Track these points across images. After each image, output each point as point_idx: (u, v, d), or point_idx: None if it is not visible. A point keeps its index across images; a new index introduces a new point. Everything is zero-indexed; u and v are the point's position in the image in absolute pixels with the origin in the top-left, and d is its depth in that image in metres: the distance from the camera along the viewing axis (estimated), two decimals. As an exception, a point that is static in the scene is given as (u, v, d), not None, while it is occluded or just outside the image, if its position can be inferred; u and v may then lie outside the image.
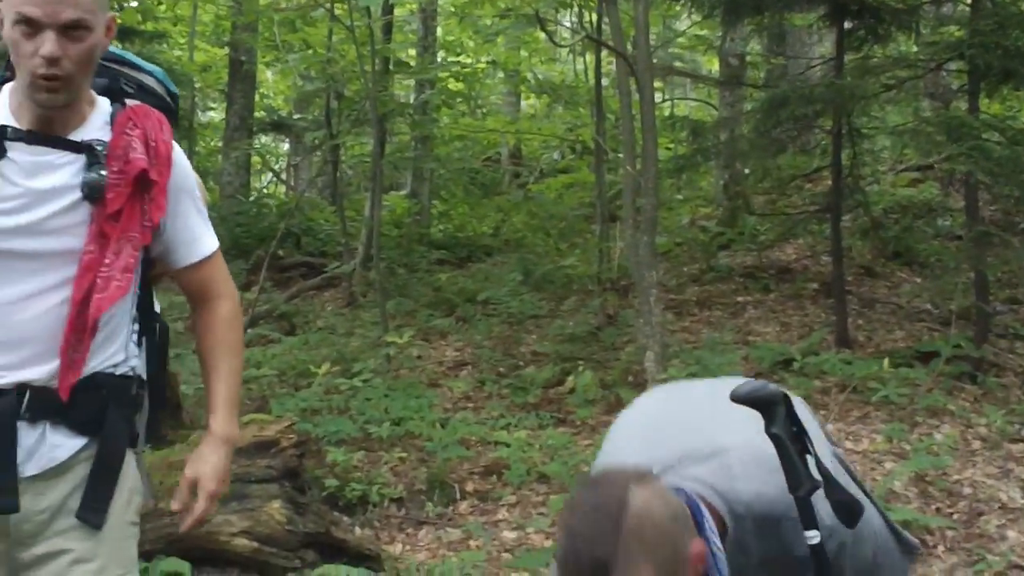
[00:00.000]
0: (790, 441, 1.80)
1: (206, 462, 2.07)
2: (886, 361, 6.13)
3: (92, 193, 1.94)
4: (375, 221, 8.24)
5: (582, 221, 11.60)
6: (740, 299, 8.30)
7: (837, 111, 6.88)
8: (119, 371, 2.04)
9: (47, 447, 1.96)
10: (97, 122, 2.01)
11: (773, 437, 1.79)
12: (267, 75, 16.29)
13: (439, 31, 13.96)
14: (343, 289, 10.16)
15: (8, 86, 2.00)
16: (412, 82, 13.48)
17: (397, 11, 12.25)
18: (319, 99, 12.33)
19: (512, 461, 5.35)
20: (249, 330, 7.73)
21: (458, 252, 11.56)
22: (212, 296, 2.17)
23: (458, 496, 5.13)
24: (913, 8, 7.06)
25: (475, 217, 13.42)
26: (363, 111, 10.49)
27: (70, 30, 1.84)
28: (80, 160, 1.96)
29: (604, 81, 10.11)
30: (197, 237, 2.14)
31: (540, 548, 4.46)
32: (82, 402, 1.97)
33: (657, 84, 12.21)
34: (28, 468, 1.93)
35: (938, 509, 4.66)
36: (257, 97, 14.21)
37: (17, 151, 1.93)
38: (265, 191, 16.98)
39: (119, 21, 1.94)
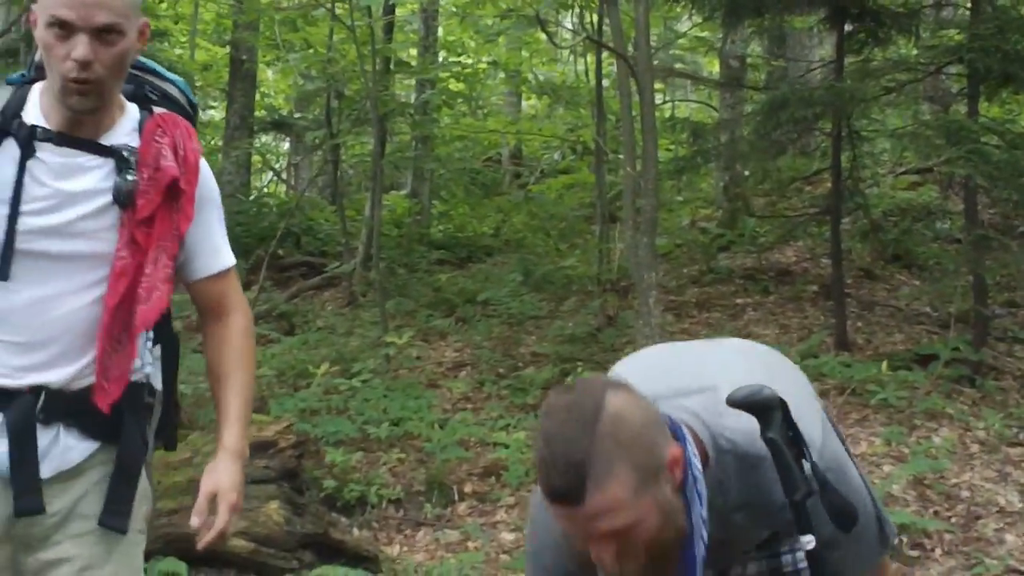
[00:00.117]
0: (786, 446, 1.80)
1: (224, 475, 2.02)
2: (885, 364, 6.13)
3: (122, 197, 1.94)
4: (375, 221, 8.25)
5: (582, 222, 11.60)
6: (739, 301, 8.30)
7: (837, 114, 6.89)
8: (134, 377, 2.03)
9: (60, 449, 1.96)
10: (126, 127, 2.02)
11: (769, 442, 1.78)
12: (268, 74, 16.28)
13: (440, 31, 13.96)
14: (343, 289, 10.16)
15: (38, 86, 2.00)
16: (413, 82, 13.48)
17: (398, 11, 12.26)
18: (320, 98, 12.33)
19: (511, 462, 5.35)
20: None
21: (458, 252, 11.56)
22: (227, 310, 2.16)
23: (456, 497, 5.14)
24: (913, 12, 7.07)
25: (475, 217, 13.42)
26: (364, 111, 10.49)
27: (103, 34, 1.84)
28: (109, 164, 1.96)
29: (605, 82, 10.11)
30: (218, 249, 2.14)
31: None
32: (95, 407, 1.97)
33: (658, 85, 12.22)
34: (42, 470, 1.93)
35: (936, 512, 4.66)
36: (258, 96, 14.20)
37: (47, 152, 1.93)
38: (265, 190, 16.98)
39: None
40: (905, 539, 4.35)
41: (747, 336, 7.39)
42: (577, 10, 9.80)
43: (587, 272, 9.34)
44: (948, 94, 8.67)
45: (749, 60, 11.56)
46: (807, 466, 1.80)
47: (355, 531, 4.69)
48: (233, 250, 2.21)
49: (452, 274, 10.42)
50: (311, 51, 11.49)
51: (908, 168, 10.42)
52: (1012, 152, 6.06)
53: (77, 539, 1.96)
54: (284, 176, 17.36)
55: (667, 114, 13.82)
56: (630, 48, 7.37)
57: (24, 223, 1.91)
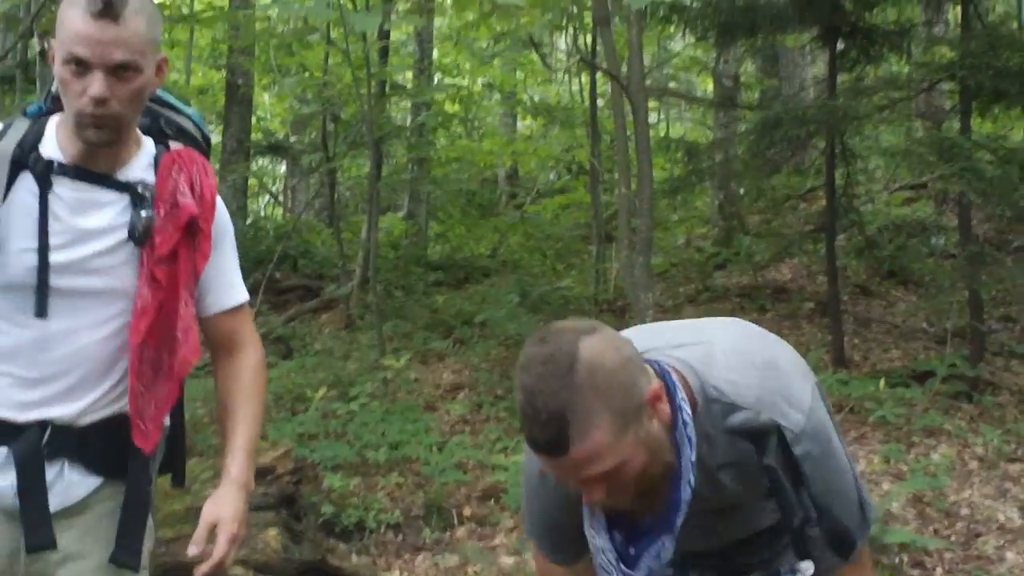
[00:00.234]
0: (783, 472, 1.80)
1: (226, 505, 1.99)
2: (882, 381, 6.13)
3: (138, 234, 1.94)
4: (372, 243, 8.26)
5: (578, 242, 11.62)
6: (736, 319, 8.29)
7: (830, 132, 6.92)
8: None
9: (65, 485, 1.96)
10: (142, 162, 2.01)
11: (766, 468, 1.78)
12: (264, 98, 16.34)
13: (435, 53, 14.02)
14: (340, 311, 10.16)
15: (55, 118, 2.00)
16: (408, 104, 13.53)
17: (393, 34, 12.31)
18: (316, 122, 12.35)
19: (510, 485, 5.32)
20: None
21: (455, 273, 11.57)
22: (238, 345, 2.15)
23: (455, 521, 5.12)
24: (904, 29, 7.11)
25: (472, 238, 13.44)
26: (360, 133, 10.52)
27: (120, 71, 1.83)
28: (124, 199, 1.96)
29: (599, 102, 10.15)
30: (232, 284, 2.14)
31: (538, 573, 4.44)
32: (101, 442, 1.97)
33: (652, 104, 12.26)
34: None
35: (936, 530, 4.65)
36: (254, 119, 14.25)
37: (63, 186, 1.93)
38: (262, 213, 17.02)
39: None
40: (906, 558, 4.34)
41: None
42: (571, 31, 9.87)
43: (584, 292, 9.35)
44: (940, 111, 8.71)
45: (743, 79, 11.61)
46: (804, 494, 1.81)
47: (354, 557, 4.67)
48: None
49: (449, 295, 10.41)
50: (307, 75, 11.52)
51: (902, 184, 10.45)
52: (1004, 168, 6.08)
53: None
54: (281, 199, 17.39)
55: (662, 133, 13.88)
56: (624, 68, 7.40)
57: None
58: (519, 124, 17.73)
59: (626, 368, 1.62)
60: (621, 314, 8.63)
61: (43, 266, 1.90)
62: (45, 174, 1.92)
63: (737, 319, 2.05)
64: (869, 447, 5.58)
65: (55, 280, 1.91)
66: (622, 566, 1.79)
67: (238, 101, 12.68)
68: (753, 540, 2.04)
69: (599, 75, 9.64)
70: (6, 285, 1.90)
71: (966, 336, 6.67)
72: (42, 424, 1.93)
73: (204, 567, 1.95)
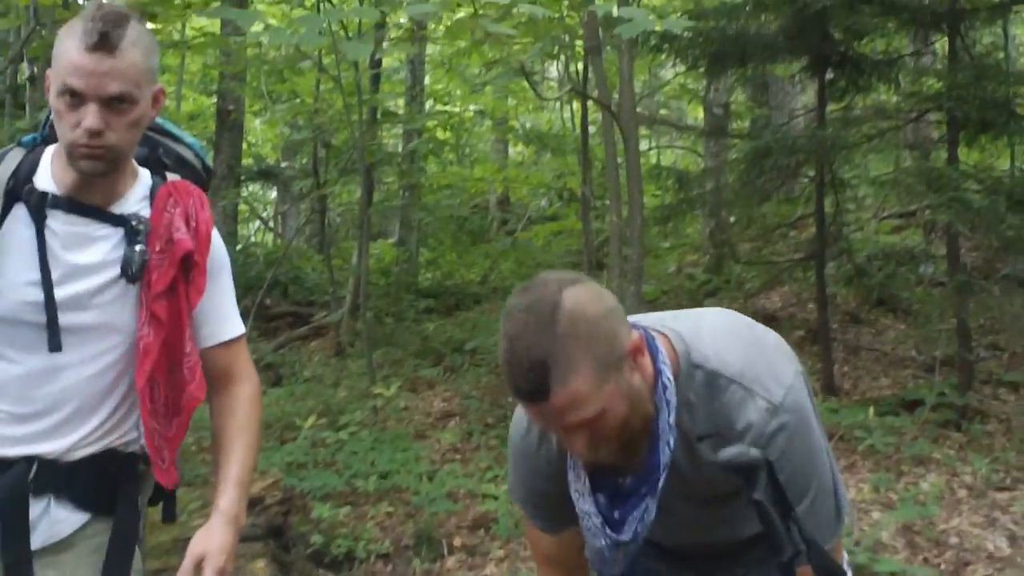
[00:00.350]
0: (772, 506, 1.80)
1: (213, 538, 1.96)
2: (872, 409, 6.14)
3: (130, 270, 1.93)
4: (363, 270, 8.26)
5: (570, 269, 11.61)
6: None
7: (820, 161, 6.96)
8: (129, 449, 2.02)
9: (50, 521, 1.94)
10: (138, 195, 2.00)
11: (755, 503, 1.78)
12: (255, 124, 16.35)
13: (427, 80, 14.07)
14: (330, 338, 10.14)
15: (51, 149, 1.99)
16: (400, 130, 13.56)
17: (385, 61, 12.35)
18: (307, 148, 12.39)
19: (500, 514, 5.31)
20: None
21: (446, 300, 11.56)
22: (234, 378, 2.13)
23: (445, 551, 5.10)
24: (892, 60, 7.17)
25: (463, 265, 13.44)
26: (351, 160, 10.54)
27: (115, 103, 1.82)
28: (118, 233, 1.95)
29: (591, 129, 10.19)
30: (227, 317, 2.12)
31: (527, 603, 4.43)
32: (90, 478, 1.96)
33: (643, 132, 12.30)
34: (31, 542, 1.91)
35: (926, 559, 4.65)
36: (245, 145, 14.26)
37: (56, 220, 1.92)
38: (253, 239, 17.00)
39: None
40: (896, 588, 4.33)
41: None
42: (562, 59, 9.91)
43: (575, 319, 9.32)
44: (928, 140, 8.76)
45: (733, 107, 11.67)
46: (794, 529, 1.81)
47: (343, 587, 4.66)
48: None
49: (440, 322, 10.40)
50: (298, 101, 11.56)
51: (891, 212, 10.50)
52: (991, 198, 6.12)
53: None
54: (271, 225, 17.38)
55: (653, 161, 13.93)
56: (615, 96, 7.44)
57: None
58: (511, 151, 17.78)
59: (608, 318, 1.64)
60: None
61: (50, 301, 1.88)
62: (39, 206, 1.91)
63: (730, 310, 2.08)
64: (859, 475, 5.58)
65: (46, 317, 1.90)
66: (608, 529, 1.81)
67: (229, 127, 12.68)
68: (737, 553, 2.05)
69: (590, 103, 9.69)
70: None
71: (955, 364, 6.68)
72: (29, 459, 1.92)
73: None
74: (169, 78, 15.12)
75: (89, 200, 1.94)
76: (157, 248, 1.96)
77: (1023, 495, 5.24)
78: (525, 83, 8.94)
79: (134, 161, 2.03)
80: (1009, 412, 6.43)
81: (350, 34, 7.64)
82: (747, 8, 7.01)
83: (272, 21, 10.75)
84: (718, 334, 1.84)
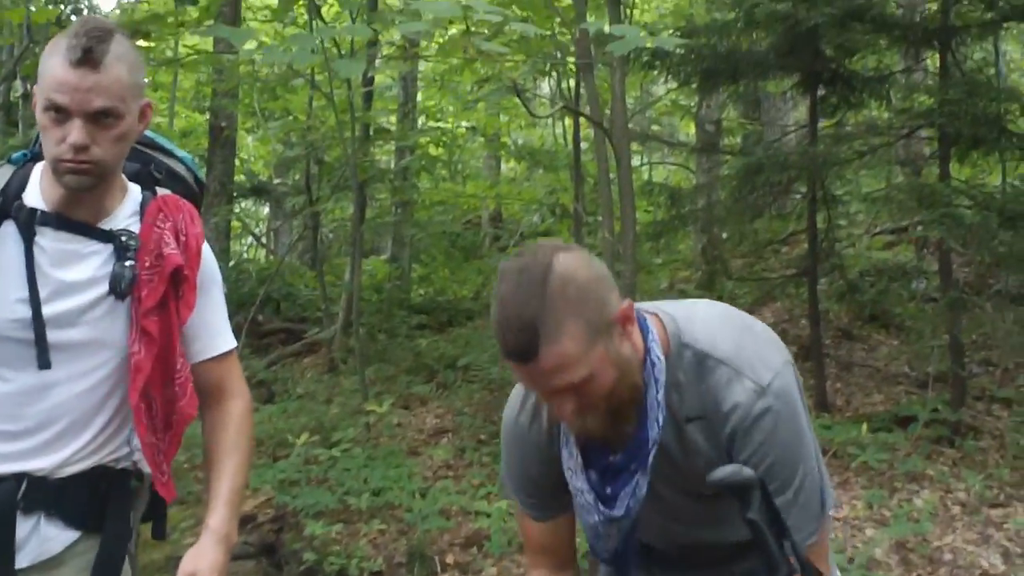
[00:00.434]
0: (767, 526, 1.80)
1: (204, 557, 1.94)
2: (865, 426, 6.14)
3: (119, 287, 1.92)
4: (355, 286, 8.26)
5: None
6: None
7: (811, 177, 6.98)
8: (120, 465, 2.01)
9: (40, 539, 1.93)
10: (127, 210, 2.00)
11: (749, 523, 1.78)
12: (248, 140, 16.37)
13: (419, 96, 14.09)
14: (323, 355, 10.12)
15: (40, 165, 1.98)
16: (392, 147, 13.58)
17: (378, 78, 12.36)
18: (299, 164, 12.39)
19: (493, 531, 5.30)
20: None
21: (438, 316, 11.55)
22: (225, 394, 2.12)
23: (438, 568, 5.09)
24: (884, 76, 7.20)
25: (456, 281, 13.44)
26: (343, 177, 10.54)
27: (100, 117, 1.82)
28: (108, 249, 1.94)
29: (584, 145, 10.20)
30: (219, 331, 2.11)
31: (521, 622, 4.42)
32: (80, 495, 1.95)
33: (635, 148, 12.34)
34: (20, 560, 1.90)
35: (919, 577, 4.65)
36: (237, 162, 14.27)
37: (45, 237, 1.91)
38: (245, 255, 16.98)
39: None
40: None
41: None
42: (554, 76, 9.93)
43: (567, 336, 9.31)
44: (920, 157, 8.79)
45: (725, 123, 11.71)
46: (787, 546, 1.80)
47: (336, 605, 4.64)
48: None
49: (433, 339, 10.39)
50: (291, 118, 11.56)
51: (883, 228, 10.51)
52: (983, 214, 6.13)
53: None
54: (264, 241, 17.37)
55: (645, 177, 13.94)
56: (607, 113, 7.45)
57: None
58: (503, 167, 17.80)
59: (598, 284, 1.67)
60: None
61: (38, 318, 1.88)
62: (28, 223, 1.90)
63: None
64: (852, 492, 5.58)
65: (34, 334, 1.89)
66: (601, 505, 1.83)
67: (222, 144, 12.70)
68: (730, 561, 2.04)
69: (582, 119, 9.71)
70: None
71: (947, 380, 6.69)
72: (18, 477, 1.90)
73: None
74: (162, 95, 15.13)
75: (78, 216, 1.93)
76: (147, 264, 1.95)
77: (1017, 512, 5.24)
78: (517, 100, 8.96)
79: (124, 176, 2.02)
80: (1002, 428, 6.43)
81: (343, 52, 7.65)
82: (739, 25, 7.04)
83: (265, 39, 10.79)
84: (710, 319, 1.86)
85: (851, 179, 8.20)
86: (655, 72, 7.70)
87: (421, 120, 14.01)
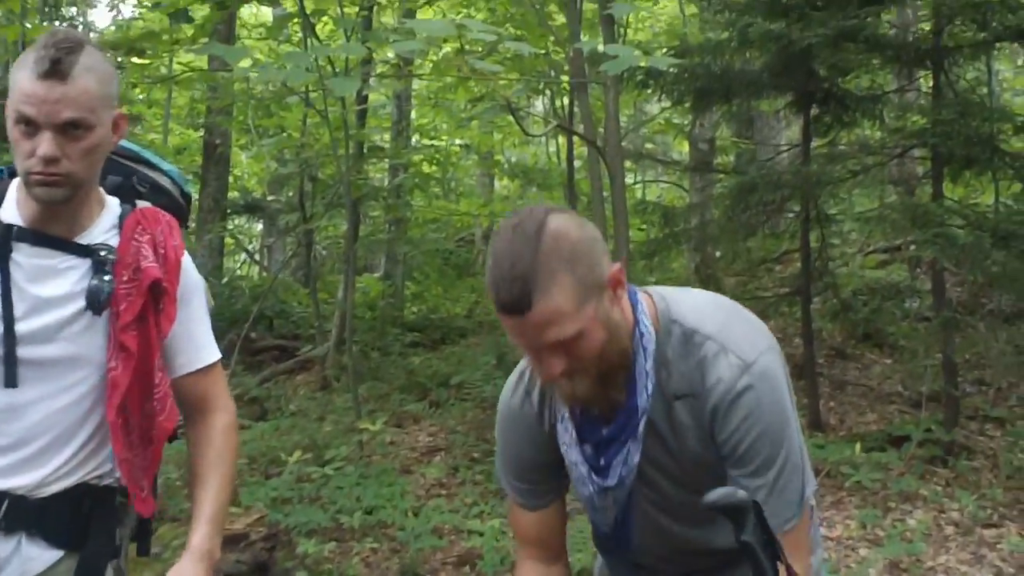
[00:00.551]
0: (761, 548, 1.79)
1: (185, 575, 1.93)
2: (858, 445, 6.14)
3: (95, 302, 1.90)
4: (348, 304, 8.24)
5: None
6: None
7: (805, 196, 6.99)
8: (104, 482, 1.99)
9: (21, 559, 1.90)
10: (105, 224, 1.97)
11: (743, 545, 1.77)
12: (242, 157, 16.37)
13: (413, 114, 14.11)
14: (316, 372, 10.10)
15: (16, 182, 1.96)
16: (386, 165, 13.59)
17: (372, 96, 12.39)
18: (293, 182, 12.40)
19: (486, 550, 5.28)
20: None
21: (432, 334, 11.54)
22: (211, 408, 2.10)
23: (431, 587, 5.07)
24: (877, 96, 7.22)
25: (449, 299, 13.44)
26: (337, 194, 10.54)
27: (70, 129, 1.80)
28: (85, 264, 1.92)
29: (577, 162, 10.22)
30: (202, 344, 2.09)
31: (514, 642, 4.39)
32: (62, 513, 1.92)
33: (629, 166, 12.36)
34: None
35: (913, 597, 4.64)
36: (231, 179, 14.26)
37: (21, 253, 1.89)
38: (238, 272, 16.97)
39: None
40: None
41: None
42: (548, 94, 9.96)
43: (561, 354, 9.30)
44: (913, 176, 8.82)
45: (718, 142, 11.74)
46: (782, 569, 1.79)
47: (328, 625, 4.61)
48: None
49: (426, 356, 10.38)
50: (285, 135, 11.57)
51: (876, 247, 10.54)
52: (976, 234, 6.15)
53: None
54: (257, 258, 17.37)
55: (638, 195, 13.97)
56: (601, 131, 7.47)
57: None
58: (496, 185, 17.83)
59: (591, 245, 1.70)
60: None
61: (9, 335, 1.86)
62: (4, 239, 1.89)
63: None
64: (845, 512, 5.57)
65: (18, 350, 1.87)
66: (594, 476, 1.88)
67: (216, 161, 12.70)
68: (721, 572, 2.03)
69: (576, 137, 9.74)
70: None
71: (941, 400, 6.69)
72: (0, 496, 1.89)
73: None
74: (156, 112, 15.15)
75: (54, 231, 1.91)
76: (125, 278, 1.93)
77: (1010, 532, 5.23)
78: (511, 118, 8.98)
79: (101, 190, 2.00)
80: (995, 448, 6.43)
81: (337, 70, 7.66)
82: (732, 45, 7.06)
83: (260, 57, 10.82)
84: (700, 301, 1.90)
85: (844, 198, 8.22)
86: (649, 91, 7.74)
87: (415, 138, 14.03)
